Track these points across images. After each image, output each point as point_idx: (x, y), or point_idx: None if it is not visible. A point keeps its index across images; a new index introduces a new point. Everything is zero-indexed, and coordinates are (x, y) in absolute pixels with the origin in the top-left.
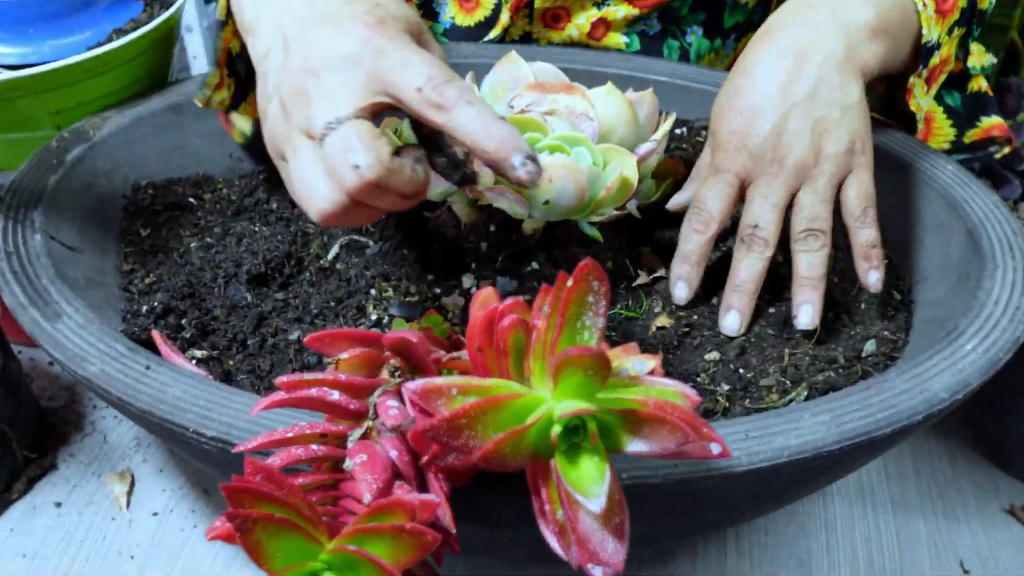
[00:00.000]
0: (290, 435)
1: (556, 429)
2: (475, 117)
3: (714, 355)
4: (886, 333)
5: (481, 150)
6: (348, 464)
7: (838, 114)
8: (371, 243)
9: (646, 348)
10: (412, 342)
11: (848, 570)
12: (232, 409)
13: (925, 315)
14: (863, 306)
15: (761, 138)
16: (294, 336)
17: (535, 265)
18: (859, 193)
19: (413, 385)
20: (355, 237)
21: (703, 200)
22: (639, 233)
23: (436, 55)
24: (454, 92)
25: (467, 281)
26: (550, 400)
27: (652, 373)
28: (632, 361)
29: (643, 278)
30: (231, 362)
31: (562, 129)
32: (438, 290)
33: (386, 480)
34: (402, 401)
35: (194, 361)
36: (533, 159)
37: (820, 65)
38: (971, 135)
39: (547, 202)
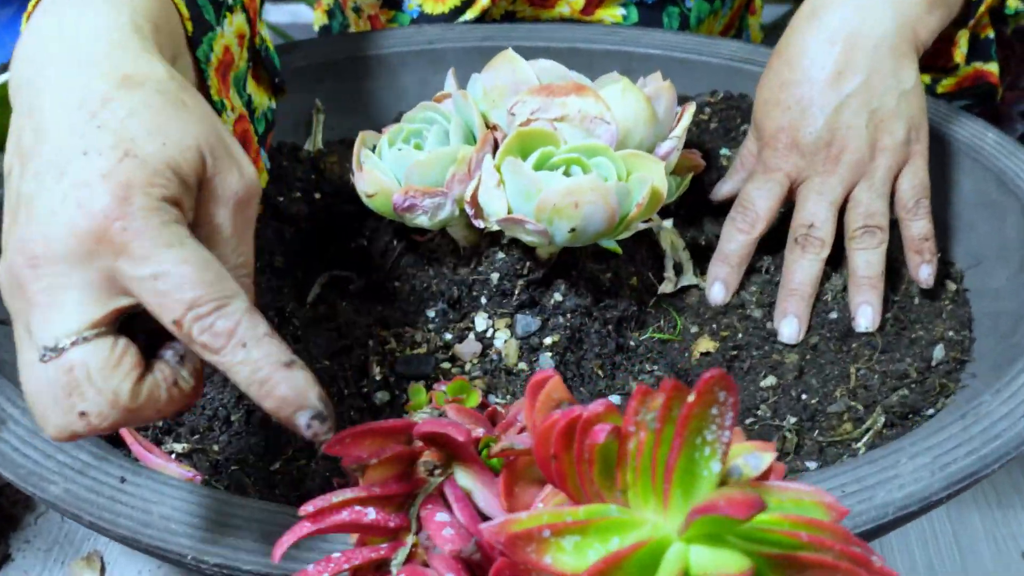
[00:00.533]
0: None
1: None
2: (250, 365)
3: (770, 380)
4: (951, 334)
5: (260, 403)
6: None
7: (893, 103)
8: (354, 276)
9: (691, 379)
10: (455, 438)
11: None
12: (236, 527)
13: (986, 308)
14: (916, 301)
15: (813, 135)
16: None
17: (557, 297)
18: (913, 184)
19: (491, 529)
20: (335, 272)
21: (750, 199)
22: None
23: (226, 229)
24: (224, 327)
25: (480, 322)
26: (676, 541)
27: (770, 472)
28: (743, 456)
29: (668, 286)
30: (216, 447)
31: (576, 138)
32: (448, 336)
33: None
34: (447, 506)
35: (174, 456)
36: (322, 417)
37: (872, 51)
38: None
39: (573, 229)
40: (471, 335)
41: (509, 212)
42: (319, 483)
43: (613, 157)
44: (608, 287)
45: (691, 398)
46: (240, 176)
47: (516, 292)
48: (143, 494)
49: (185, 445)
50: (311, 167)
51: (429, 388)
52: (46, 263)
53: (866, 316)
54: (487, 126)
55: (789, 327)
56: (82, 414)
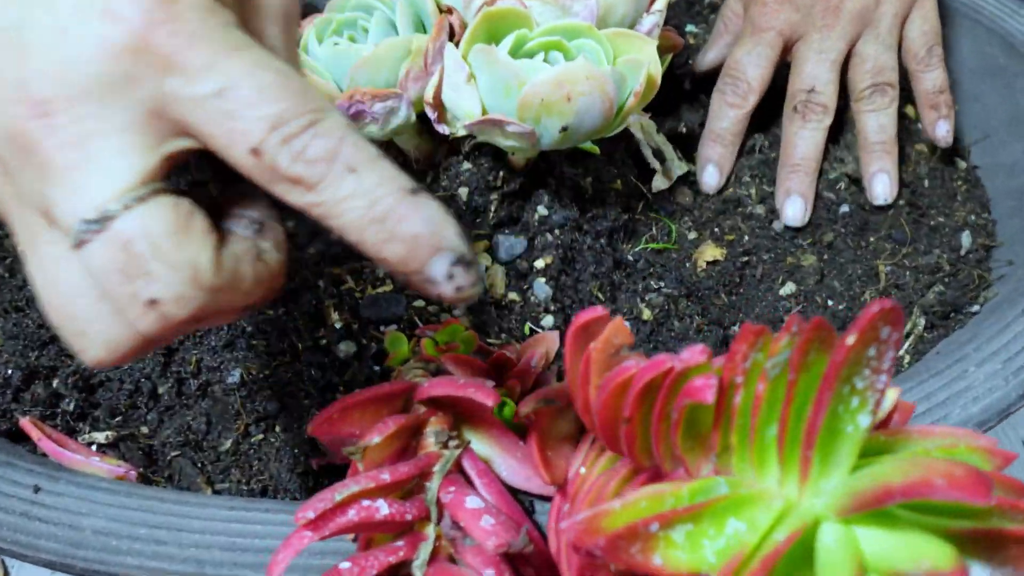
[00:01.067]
0: None
1: None
2: (365, 196)
3: (789, 288)
4: (972, 217)
5: (378, 256)
6: None
7: None
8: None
9: (703, 294)
10: (480, 402)
11: None
12: (193, 531)
13: (1004, 185)
14: (926, 183)
15: None
16: (234, 377)
17: (542, 210)
18: (924, 30)
19: (579, 529)
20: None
21: (739, 66)
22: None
23: (281, 51)
24: (323, 147)
25: None
26: (831, 521)
27: (896, 411)
28: None
29: (661, 181)
30: (145, 429)
31: (551, 17)
32: None
33: None
34: (468, 483)
35: (95, 448)
36: (466, 261)
37: None
38: None
39: (566, 128)
40: None
41: (484, 112)
42: (288, 463)
43: (598, 38)
44: (591, 194)
45: (851, 339)
46: (282, 29)
47: (492, 209)
48: (67, 505)
49: (108, 432)
50: None
51: (408, 334)
52: (64, 106)
53: (883, 185)
54: (440, 9)
55: (793, 207)
56: (151, 303)
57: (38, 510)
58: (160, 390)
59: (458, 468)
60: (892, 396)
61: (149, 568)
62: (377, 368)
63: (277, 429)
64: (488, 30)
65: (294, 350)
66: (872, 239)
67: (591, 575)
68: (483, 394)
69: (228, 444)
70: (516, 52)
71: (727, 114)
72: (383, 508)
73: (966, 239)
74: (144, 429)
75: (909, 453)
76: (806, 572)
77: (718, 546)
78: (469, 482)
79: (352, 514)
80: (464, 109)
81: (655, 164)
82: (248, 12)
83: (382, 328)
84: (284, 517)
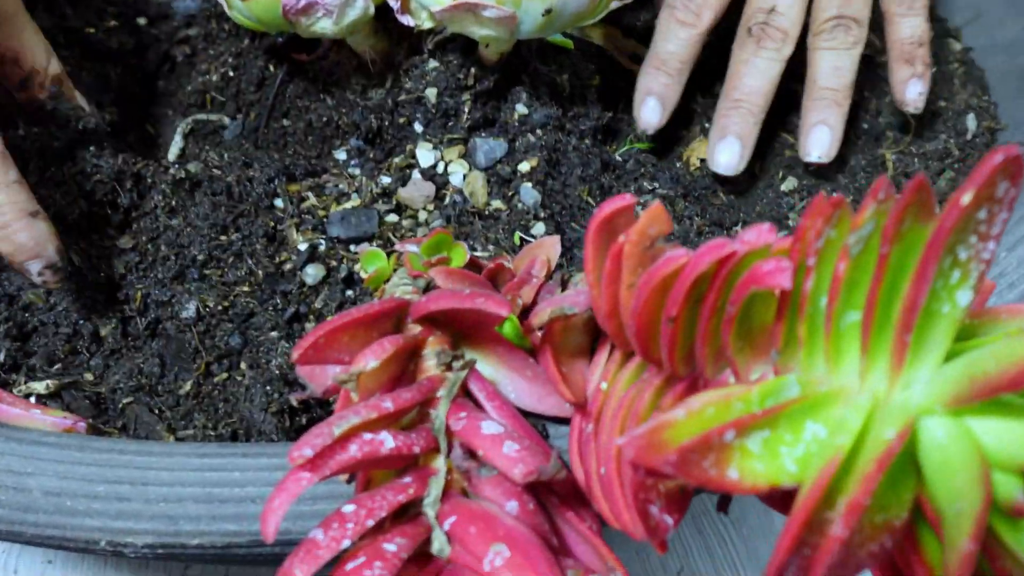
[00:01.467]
0: (346, 544)
1: (1011, 486)
2: None
3: (791, 183)
4: (974, 101)
5: None
6: (438, 548)
7: None
8: (226, 120)
9: (700, 194)
10: (494, 313)
11: None
12: (160, 484)
13: (1004, 66)
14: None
15: None
16: (188, 312)
17: (521, 109)
18: None
19: (636, 440)
20: (200, 117)
21: None
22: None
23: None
24: None
25: (425, 155)
26: (938, 415)
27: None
28: None
29: None
30: (89, 376)
31: None
32: (384, 179)
33: (552, 573)
34: (478, 407)
35: (34, 400)
36: (55, 267)
37: None
38: None
39: (549, 10)
40: (415, 174)
41: None
42: (260, 402)
43: None
44: (569, 92)
45: (967, 197)
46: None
47: (465, 110)
48: (9, 464)
49: (47, 382)
50: None
51: (386, 252)
52: None
53: (820, 140)
54: None
55: (728, 152)
56: None
57: None
58: (103, 332)
59: (464, 392)
60: None
61: (113, 529)
62: (349, 292)
63: (243, 366)
64: None
65: (253, 277)
66: (879, 128)
67: (644, 496)
68: (495, 304)
69: (188, 386)
70: None
71: (676, 34)
72: (388, 441)
73: (971, 122)
74: (89, 376)
75: (1004, 334)
76: (908, 478)
77: (797, 453)
78: (479, 407)
79: (354, 449)
80: None
81: (634, 67)
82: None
83: (352, 248)
84: (265, 461)
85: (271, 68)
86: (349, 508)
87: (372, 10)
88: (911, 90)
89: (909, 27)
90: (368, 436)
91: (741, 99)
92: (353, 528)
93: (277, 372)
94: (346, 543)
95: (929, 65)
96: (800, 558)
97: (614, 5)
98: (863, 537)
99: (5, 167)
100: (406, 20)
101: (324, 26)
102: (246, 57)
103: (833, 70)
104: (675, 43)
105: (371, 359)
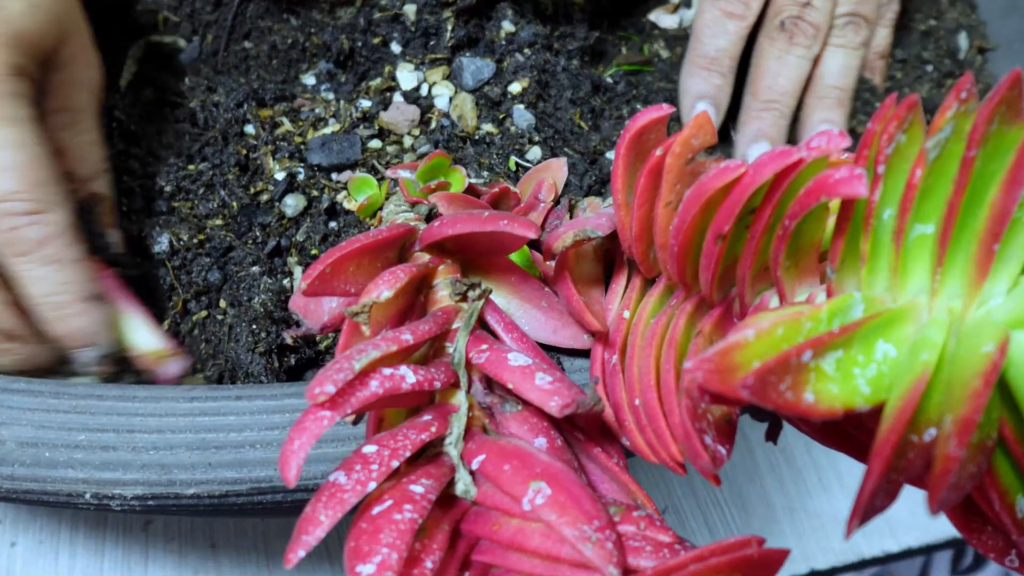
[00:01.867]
0: (372, 487)
1: None
2: (51, 285)
3: None
4: (963, 19)
5: (45, 323)
6: (462, 489)
7: None
8: (181, 42)
9: None
10: (520, 235)
11: None
12: (148, 431)
13: None
14: None
15: None
16: (162, 245)
17: (507, 26)
18: None
19: (703, 364)
20: (153, 39)
21: None
22: None
23: (87, 115)
24: (34, 236)
25: (407, 76)
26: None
27: None
28: None
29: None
30: None
31: None
32: (364, 102)
33: (613, 529)
34: (496, 339)
35: None
36: (110, 357)
37: None
38: None
39: None
40: (396, 96)
41: None
42: (247, 342)
43: None
44: (551, 11)
45: None
46: (97, 64)
47: (448, 28)
48: None
49: None
50: None
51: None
52: None
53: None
54: None
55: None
56: None
57: None
58: None
59: (480, 324)
60: None
61: (99, 480)
62: (333, 224)
63: (223, 304)
64: None
65: (227, 209)
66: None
67: (699, 425)
68: (521, 227)
69: (164, 325)
70: None
71: (725, 28)
72: (409, 376)
73: (963, 41)
74: None
75: None
76: (995, 397)
77: (870, 374)
78: (497, 339)
79: (375, 385)
80: None
81: None
82: (63, 78)
83: (334, 176)
84: (261, 404)
85: None
86: (371, 448)
87: None
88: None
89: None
90: (388, 371)
91: (774, 100)
92: (378, 470)
93: (261, 310)
94: (372, 485)
95: (884, 74)
96: (888, 482)
97: None
98: (967, 458)
99: (69, 241)
100: None
101: None
102: None
103: (842, 69)
104: (725, 38)
105: (384, 289)
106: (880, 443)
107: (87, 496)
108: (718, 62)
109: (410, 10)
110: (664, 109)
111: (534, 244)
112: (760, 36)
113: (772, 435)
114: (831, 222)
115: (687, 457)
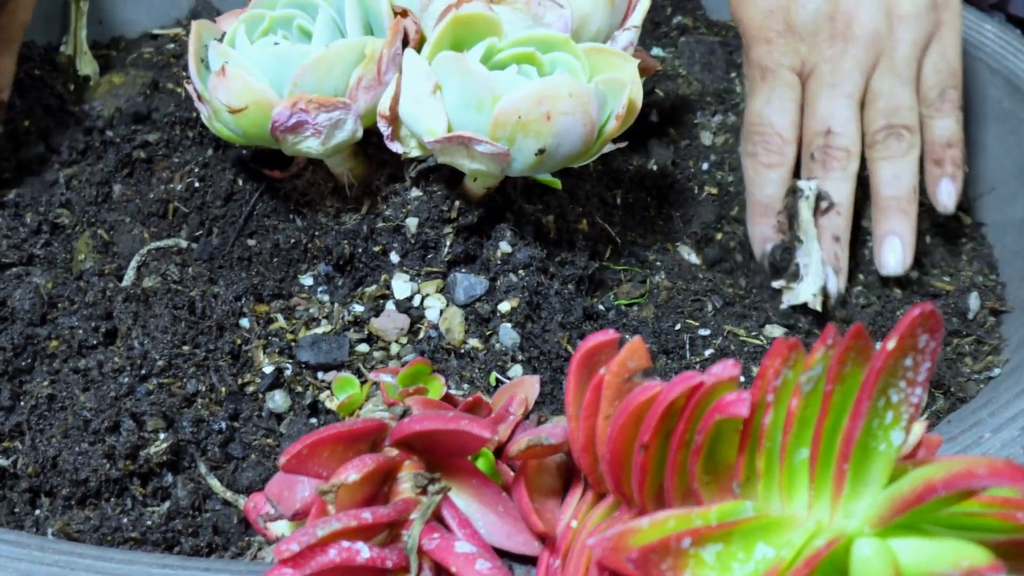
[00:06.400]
0: None
1: None
2: None
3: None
4: (980, 279)
5: None
6: None
7: None
8: (182, 242)
9: (683, 352)
10: (478, 435)
11: None
12: None
13: (1014, 244)
14: (928, 239)
15: (811, 9)
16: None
17: (505, 247)
18: (938, 68)
19: (609, 543)
20: (157, 244)
21: (762, 119)
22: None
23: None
24: None
25: (401, 286)
26: (866, 536)
27: (922, 446)
28: None
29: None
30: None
31: (522, 27)
32: (357, 307)
33: None
34: (446, 528)
35: None
36: None
37: None
38: None
39: (542, 151)
40: (389, 304)
41: (450, 129)
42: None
43: (576, 53)
44: (554, 235)
45: (892, 344)
46: (31, 9)
47: (447, 244)
48: None
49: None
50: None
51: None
52: None
53: (894, 252)
54: (394, 12)
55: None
56: None
57: None
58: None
59: (436, 519)
60: (918, 430)
61: None
62: (314, 421)
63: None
64: (455, 36)
65: (212, 397)
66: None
67: None
68: (479, 427)
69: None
70: (485, 63)
71: (768, 178)
72: (364, 551)
73: (973, 302)
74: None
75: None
76: None
77: (747, 570)
78: (450, 532)
79: (333, 554)
80: (426, 124)
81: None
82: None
83: (320, 375)
84: None
85: (239, 182)
86: None
87: (360, 134)
88: (942, 191)
89: (939, 129)
90: (346, 544)
91: (824, 227)
92: None
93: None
94: None
95: (960, 165)
96: None
97: (607, 149)
98: None
99: None
100: (395, 147)
101: (310, 145)
102: (213, 168)
103: (892, 178)
104: (771, 185)
105: (352, 472)
106: None
107: None
108: (772, 208)
109: (412, 223)
110: (611, 334)
111: (501, 455)
112: (802, 173)
113: None
114: None
115: None
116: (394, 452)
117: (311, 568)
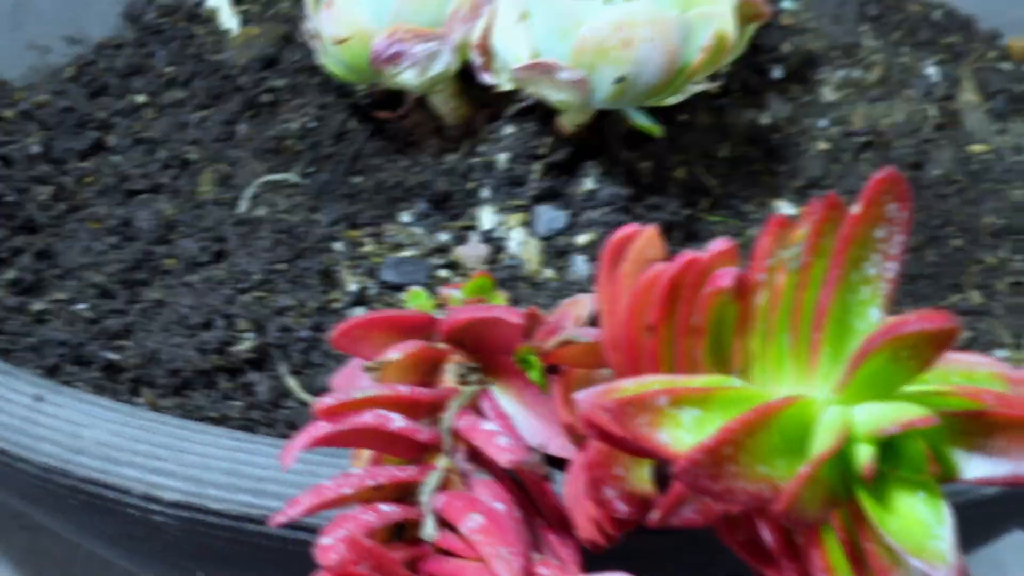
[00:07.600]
0: (346, 491)
1: (866, 452)
2: None
3: None
4: None
5: None
6: (428, 531)
7: None
8: (293, 177)
9: None
10: (509, 321)
11: None
12: (194, 454)
13: None
14: None
15: None
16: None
17: (589, 184)
18: None
19: (589, 396)
20: (270, 177)
21: None
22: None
23: None
24: None
25: (487, 217)
26: (832, 403)
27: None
28: None
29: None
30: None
31: None
32: (443, 236)
33: (526, 556)
34: (482, 417)
35: None
36: None
37: None
38: None
39: (622, 79)
40: (474, 235)
41: (535, 57)
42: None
43: None
44: (648, 181)
45: (856, 209)
46: None
47: (534, 179)
48: (69, 415)
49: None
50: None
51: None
52: None
53: None
54: None
55: None
56: None
57: (40, 416)
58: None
59: (477, 411)
60: None
61: (147, 481)
62: None
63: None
64: None
65: (301, 311)
66: None
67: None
68: (513, 315)
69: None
70: None
71: None
72: (397, 420)
73: None
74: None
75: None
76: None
77: None
78: (482, 417)
79: (368, 416)
80: (514, 52)
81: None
82: None
83: (399, 294)
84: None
85: (352, 124)
86: (357, 471)
87: (455, 67)
88: None
89: None
90: (381, 412)
91: None
92: (355, 482)
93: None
94: (347, 490)
95: None
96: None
97: (692, 88)
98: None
99: None
100: (487, 78)
101: (408, 77)
102: (329, 111)
103: None
104: None
105: (396, 352)
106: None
107: (136, 493)
108: None
109: (502, 157)
110: (637, 227)
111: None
112: None
113: None
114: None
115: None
116: (443, 346)
117: (346, 425)
